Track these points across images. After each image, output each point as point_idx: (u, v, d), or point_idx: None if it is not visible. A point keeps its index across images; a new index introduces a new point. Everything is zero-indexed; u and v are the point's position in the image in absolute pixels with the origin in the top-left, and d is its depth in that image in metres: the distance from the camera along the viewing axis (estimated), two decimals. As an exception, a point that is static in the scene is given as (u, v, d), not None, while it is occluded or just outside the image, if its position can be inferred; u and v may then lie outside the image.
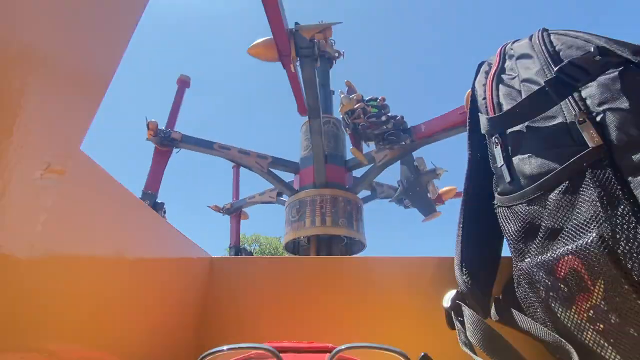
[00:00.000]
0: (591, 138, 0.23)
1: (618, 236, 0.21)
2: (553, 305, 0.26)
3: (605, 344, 0.23)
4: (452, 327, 0.32)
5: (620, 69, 0.24)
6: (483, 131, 0.33)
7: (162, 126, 3.30)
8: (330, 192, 2.97)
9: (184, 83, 3.85)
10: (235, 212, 4.11)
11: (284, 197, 3.54)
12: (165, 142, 3.19)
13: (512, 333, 0.30)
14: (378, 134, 2.77)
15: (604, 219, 0.22)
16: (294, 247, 3.17)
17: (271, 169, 3.40)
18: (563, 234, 0.25)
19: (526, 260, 0.28)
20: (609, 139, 0.23)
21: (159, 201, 3.12)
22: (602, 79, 0.24)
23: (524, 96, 0.29)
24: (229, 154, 3.33)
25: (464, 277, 0.33)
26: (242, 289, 0.41)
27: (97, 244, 0.23)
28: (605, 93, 0.24)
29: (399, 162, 3.32)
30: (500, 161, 0.31)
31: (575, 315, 0.24)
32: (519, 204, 0.29)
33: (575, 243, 0.23)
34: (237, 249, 4.00)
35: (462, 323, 0.31)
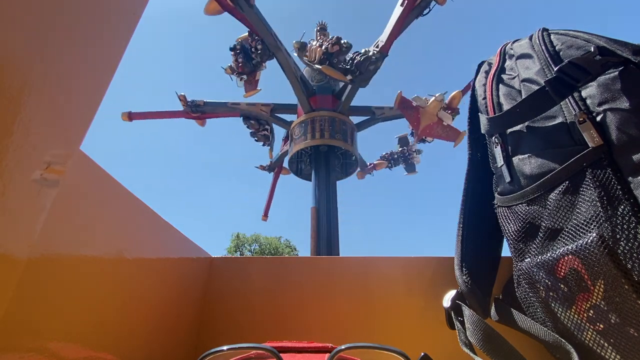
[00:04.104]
0: (591, 138, 0.23)
1: (618, 236, 0.21)
2: (553, 305, 0.26)
3: (605, 344, 0.23)
4: (452, 327, 0.32)
5: (621, 68, 0.24)
6: (483, 131, 0.33)
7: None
8: (328, 113, 3.70)
9: None
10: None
11: (277, 135, 4.32)
12: (194, 108, 3.88)
13: (512, 333, 0.30)
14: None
15: (604, 219, 0.22)
16: (297, 169, 4.01)
17: (276, 114, 4.14)
18: (563, 234, 0.25)
19: (526, 260, 0.28)
20: (609, 139, 0.23)
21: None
22: (602, 79, 0.24)
23: (524, 96, 0.29)
24: (239, 107, 4.00)
25: (464, 277, 0.33)
26: (242, 289, 0.41)
27: (97, 244, 0.23)
28: (605, 93, 0.24)
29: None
30: (500, 161, 0.31)
31: (575, 315, 0.24)
32: (519, 204, 0.29)
33: (576, 243, 0.23)
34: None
35: (462, 323, 0.31)
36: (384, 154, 4.82)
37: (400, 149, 4.61)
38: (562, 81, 0.25)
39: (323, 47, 3.16)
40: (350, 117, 4.02)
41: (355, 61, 2.98)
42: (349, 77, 3.15)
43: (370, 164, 4.83)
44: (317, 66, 3.21)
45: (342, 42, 3.18)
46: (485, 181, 0.35)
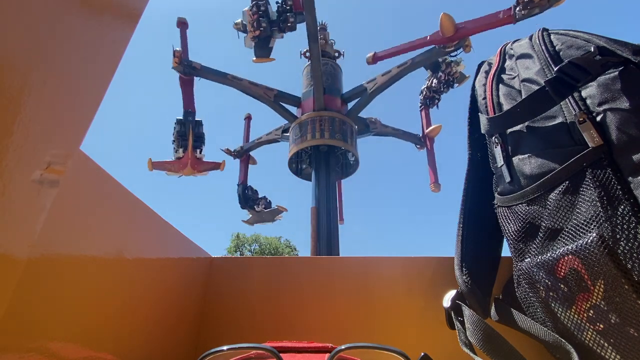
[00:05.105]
0: (591, 138, 0.23)
1: (618, 236, 0.21)
2: (553, 305, 0.26)
3: (605, 344, 0.23)
4: (452, 327, 0.32)
5: (621, 68, 0.24)
6: (483, 131, 0.33)
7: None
8: (328, 113, 3.61)
9: (183, 25, 4.21)
10: (244, 155, 4.66)
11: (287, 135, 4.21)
12: (188, 70, 3.81)
13: (512, 333, 0.30)
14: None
15: (604, 219, 0.22)
16: (297, 169, 3.97)
17: (278, 102, 4.08)
18: (563, 233, 0.25)
19: (526, 260, 0.28)
20: (609, 139, 0.23)
21: (198, 119, 3.82)
22: (602, 79, 0.24)
23: (524, 96, 0.29)
24: (240, 84, 3.91)
25: (464, 277, 0.33)
26: (242, 289, 0.41)
27: (97, 244, 0.23)
28: (605, 93, 0.24)
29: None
30: (500, 161, 0.31)
31: (575, 315, 0.24)
32: (519, 204, 0.29)
33: (576, 243, 0.23)
34: (243, 187, 4.56)
35: (462, 323, 0.31)
36: (421, 97, 4.07)
37: (437, 77, 3.91)
38: (562, 81, 0.25)
39: (250, 37, 3.44)
40: (346, 103, 3.88)
41: (280, 23, 3.33)
42: (280, 34, 3.47)
43: (422, 136, 4.19)
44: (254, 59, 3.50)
45: (262, 22, 3.39)
46: (485, 181, 0.35)
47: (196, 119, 3.86)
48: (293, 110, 4.09)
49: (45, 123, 0.15)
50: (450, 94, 3.99)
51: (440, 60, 3.80)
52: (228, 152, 4.60)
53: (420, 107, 4.27)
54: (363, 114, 4.04)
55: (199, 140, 3.84)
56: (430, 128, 4.16)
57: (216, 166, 4.05)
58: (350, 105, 3.96)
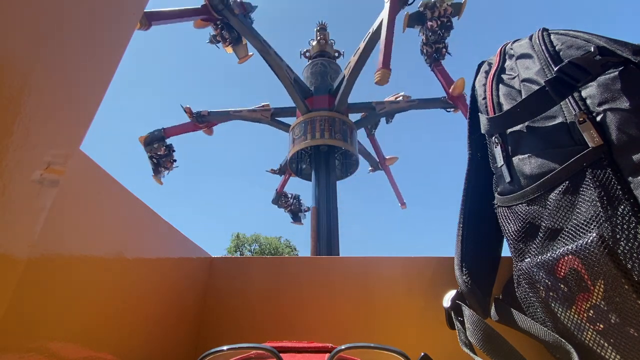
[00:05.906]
0: (591, 138, 0.23)
1: (618, 236, 0.21)
2: (553, 305, 0.26)
3: (605, 344, 0.23)
4: (452, 327, 0.32)
5: (621, 68, 0.24)
6: (483, 131, 0.33)
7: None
8: (328, 113, 3.68)
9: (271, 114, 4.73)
10: (285, 170, 5.52)
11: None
12: (200, 119, 4.58)
13: (512, 333, 0.30)
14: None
15: (604, 219, 0.22)
16: (297, 169, 4.20)
17: (276, 118, 4.48)
18: (563, 234, 0.25)
19: (526, 260, 0.28)
20: (609, 139, 0.23)
21: (168, 143, 4.61)
22: (602, 79, 0.24)
23: (524, 96, 0.29)
24: (241, 115, 4.50)
25: (464, 277, 0.33)
26: (242, 289, 0.41)
27: (97, 244, 0.23)
28: (605, 93, 0.24)
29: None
30: (500, 161, 0.31)
31: (575, 315, 0.24)
32: (519, 204, 0.29)
33: (576, 243, 0.23)
34: (279, 194, 5.62)
35: (462, 323, 0.31)
36: (424, 56, 3.49)
37: (428, 27, 3.36)
38: (562, 81, 0.25)
39: (227, 45, 3.84)
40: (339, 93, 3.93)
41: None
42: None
43: (449, 97, 3.61)
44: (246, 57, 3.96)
45: (225, 34, 3.78)
46: (485, 181, 0.35)
47: (167, 143, 4.62)
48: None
49: (45, 123, 0.15)
50: (457, 33, 3.61)
51: (421, 9, 3.35)
52: (273, 171, 5.53)
53: (430, 66, 3.69)
54: (375, 99, 4.18)
55: (150, 151, 4.48)
56: (452, 87, 3.52)
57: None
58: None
